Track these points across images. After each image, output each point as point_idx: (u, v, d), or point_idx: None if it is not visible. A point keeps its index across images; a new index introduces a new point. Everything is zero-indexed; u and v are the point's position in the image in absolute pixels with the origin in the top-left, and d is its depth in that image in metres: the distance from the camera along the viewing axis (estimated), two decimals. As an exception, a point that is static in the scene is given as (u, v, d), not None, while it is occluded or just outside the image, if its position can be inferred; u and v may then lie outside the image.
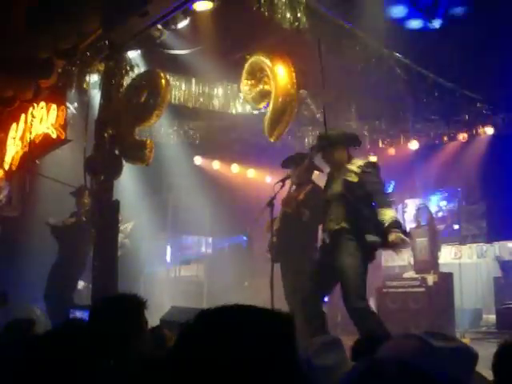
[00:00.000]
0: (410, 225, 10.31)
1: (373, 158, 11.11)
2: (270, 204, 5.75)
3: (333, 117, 8.39)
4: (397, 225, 4.90)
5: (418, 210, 9.95)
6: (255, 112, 6.86)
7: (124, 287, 5.15)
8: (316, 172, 6.68)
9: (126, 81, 6.64)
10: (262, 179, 12.42)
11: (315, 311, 5.03)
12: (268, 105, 6.12)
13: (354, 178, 5.08)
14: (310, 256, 6.28)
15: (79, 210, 7.92)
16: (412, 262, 9.20)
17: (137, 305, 2.81)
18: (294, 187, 6.44)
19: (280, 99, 5.84)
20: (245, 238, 11.82)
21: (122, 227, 8.82)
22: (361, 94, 8.82)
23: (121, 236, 8.77)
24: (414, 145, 10.78)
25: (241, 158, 12.16)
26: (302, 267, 6.07)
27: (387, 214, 4.88)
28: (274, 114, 5.92)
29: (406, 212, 10.85)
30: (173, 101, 8.28)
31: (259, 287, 10.18)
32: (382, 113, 10.01)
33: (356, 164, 5.15)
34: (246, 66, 6.27)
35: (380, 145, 10.93)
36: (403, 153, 10.94)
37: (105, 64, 6.67)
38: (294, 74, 5.85)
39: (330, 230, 5.13)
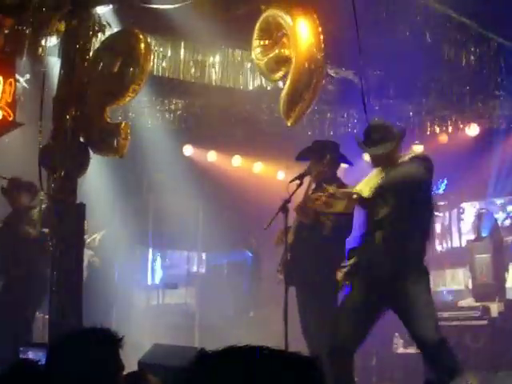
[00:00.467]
0: (467, 236, 10.29)
1: (418, 148, 11.11)
2: (284, 209, 5.73)
3: (368, 92, 8.35)
4: None
5: (479, 216, 9.94)
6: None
7: (92, 319, 5.11)
8: (342, 165, 6.64)
9: (94, 45, 6.62)
10: (272, 175, 12.44)
11: (346, 364, 5.08)
12: (286, 76, 6.07)
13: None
14: (334, 280, 6.25)
15: (15, 215, 7.84)
16: (470, 286, 9.19)
17: (109, 343, 2.79)
18: (313, 186, 6.42)
19: (302, 67, 5.79)
20: (250, 253, 11.82)
21: (88, 239, 8.81)
22: (403, 62, 8.78)
23: (88, 253, 8.76)
24: (473, 130, 10.75)
25: (245, 147, 12.15)
26: (325, 294, 6.04)
27: None
28: (293, 87, 5.86)
29: (463, 220, 10.82)
30: (155, 72, 8.26)
31: (268, 319, 10.18)
32: (430, 88, 9.96)
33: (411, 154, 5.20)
34: (260, 20, 6.22)
35: (428, 130, 10.89)
36: (459, 141, 10.93)
37: (66, 23, 6.65)
38: (321, 35, 5.79)
39: (384, 257, 5.13)
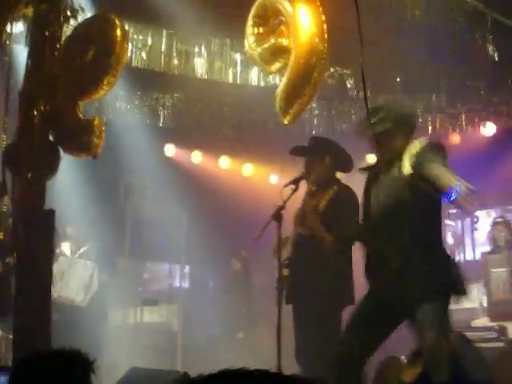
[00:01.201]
0: (481, 248, 10.28)
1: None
2: (277, 217, 5.70)
3: (370, 88, 8.36)
4: None
5: (495, 226, 9.92)
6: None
7: (63, 339, 5.08)
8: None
9: (66, 32, 6.60)
10: (264, 179, 12.45)
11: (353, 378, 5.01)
12: (283, 69, 6.04)
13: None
14: (339, 298, 6.22)
15: None
16: (485, 304, 9.18)
17: (80, 366, 2.77)
18: (312, 190, 6.40)
19: (302, 60, 5.76)
20: (239, 266, 11.79)
21: (79, 250, 8.93)
22: (411, 54, 8.80)
23: (89, 265, 8.84)
24: (488, 129, 10.76)
25: (233, 147, 12.15)
26: (326, 315, 6.01)
27: None
28: (292, 82, 5.84)
29: (477, 230, 10.82)
30: (133, 62, 8.26)
31: (259, 340, 10.16)
32: (441, 82, 9.99)
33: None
34: (256, 5, 6.19)
35: (438, 129, 10.90)
36: (473, 141, 10.94)
37: (34, 7, 6.63)
38: (324, 24, 5.76)
39: (386, 267, 5.06)
